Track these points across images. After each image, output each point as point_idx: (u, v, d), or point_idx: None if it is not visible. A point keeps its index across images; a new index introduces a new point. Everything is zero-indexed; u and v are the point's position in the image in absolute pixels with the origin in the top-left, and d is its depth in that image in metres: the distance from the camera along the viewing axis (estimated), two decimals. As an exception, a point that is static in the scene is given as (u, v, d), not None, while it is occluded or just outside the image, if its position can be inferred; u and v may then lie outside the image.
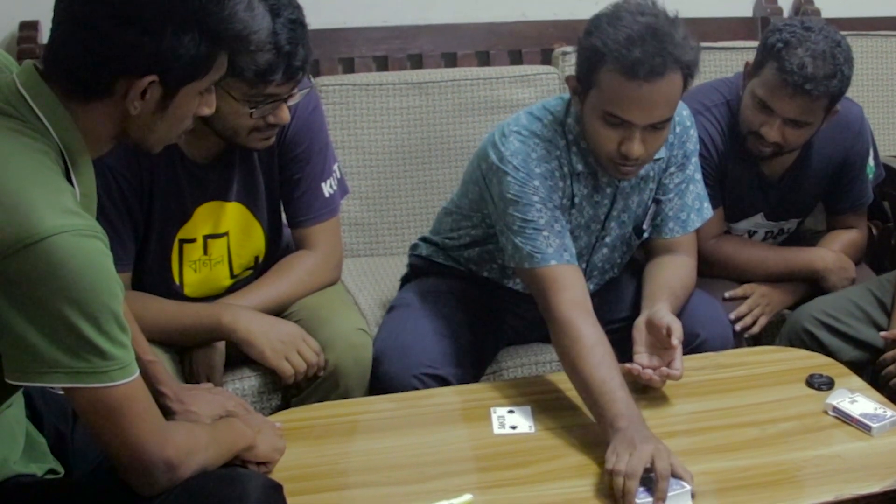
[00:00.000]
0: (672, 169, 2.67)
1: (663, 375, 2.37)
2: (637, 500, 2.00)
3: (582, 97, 2.44)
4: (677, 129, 2.64)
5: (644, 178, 2.63)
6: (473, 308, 2.72)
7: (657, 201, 2.70)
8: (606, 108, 2.37)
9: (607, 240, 2.71)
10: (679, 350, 2.37)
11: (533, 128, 2.54)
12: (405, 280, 2.97)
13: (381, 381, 2.52)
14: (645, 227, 2.70)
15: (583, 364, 2.29)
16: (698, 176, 2.74)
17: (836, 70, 2.70)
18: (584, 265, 2.69)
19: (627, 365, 2.38)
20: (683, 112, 2.66)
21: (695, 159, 2.71)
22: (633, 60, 2.29)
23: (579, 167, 2.54)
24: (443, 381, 2.52)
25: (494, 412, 2.33)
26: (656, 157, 2.58)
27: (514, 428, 2.27)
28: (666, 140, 2.51)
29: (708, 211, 2.76)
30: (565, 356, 2.35)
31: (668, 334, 2.38)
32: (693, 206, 2.72)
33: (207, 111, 1.81)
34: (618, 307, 2.77)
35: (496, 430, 2.27)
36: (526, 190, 2.48)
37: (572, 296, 2.42)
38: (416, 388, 2.49)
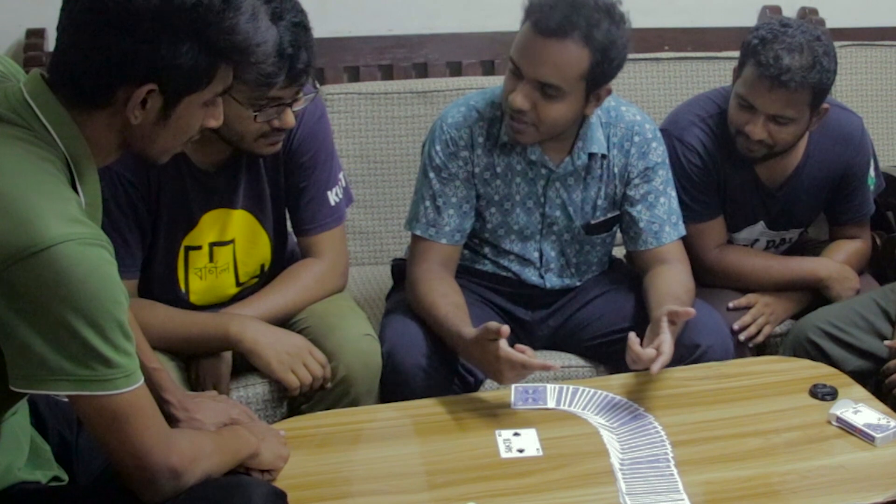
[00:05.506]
0: (636, 180, 2.76)
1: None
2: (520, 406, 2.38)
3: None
4: (636, 139, 2.75)
5: (588, 172, 2.74)
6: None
7: (627, 213, 2.79)
8: (511, 55, 2.55)
9: (555, 228, 2.80)
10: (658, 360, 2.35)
11: (474, 97, 2.76)
12: (391, 292, 3.01)
13: (392, 377, 2.54)
14: (596, 223, 2.81)
15: (424, 308, 2.62)
16: (671, 192, 2.81)
17: (815, 61, 2.71)
18: (536, 253, 2.82)
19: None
20: (646, 125, 2.78)
21: (662, 172, 2.79)
22: (540, 16, 2.49)
23: (504, 137, 2.68)
24: (453, 369, 2.57)
25: (500, 435, 2.29)
26: (595, 151, 2.70)
27: (521, 451, 2.25)
28: (567, 120, 2.61)
29: (683, 229, 2.82)
30: (413, 305, 2.68)
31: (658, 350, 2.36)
32: (666, 219, 2.79)
33: (214, 123, 1.81)
34: (618, 318, 2.79)
35: (503, 454, 2.23)
36: (430, 154, 2.74)
37: (426, 266, 2.70)
38: (430, 376, 2.54)
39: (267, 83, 2.25)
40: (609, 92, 2.62)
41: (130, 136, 1.74)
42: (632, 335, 2.37)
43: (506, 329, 2.33)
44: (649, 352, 2.33)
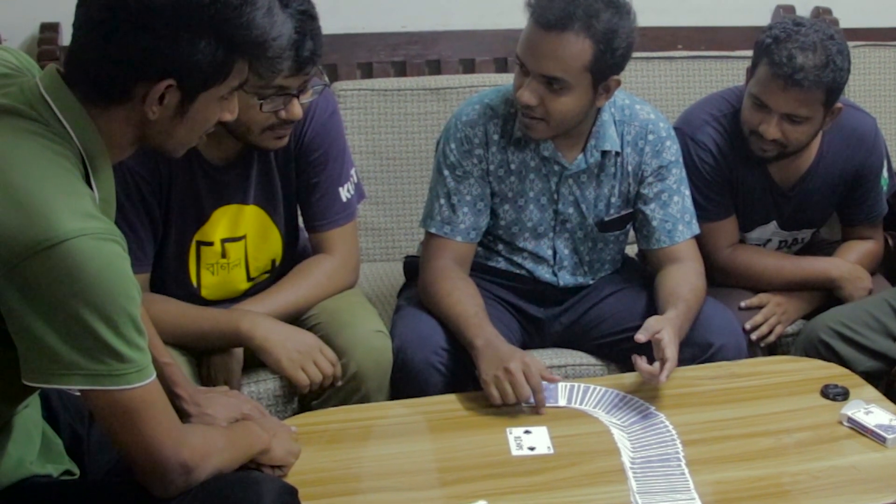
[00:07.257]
0: (650, 178, 2.76)
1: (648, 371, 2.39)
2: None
3: None
4: (650, 137, 2.75)
5: (601, 169, 2.74)
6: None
7: (640, 212, 2.80)
8: (517, 51, 2.56)
9: (568, 226, 2.80)
10: (665, 368, 2.38)
11: (489, 94, 2.76)
12: (403, 288, 3.02)
13: (403, 373, 2.54)
14: (610, 219, 2.81)
15: (445, 304, 2.61)
16: (685, 191, 2.81)
17: (828, 60, 2.70)
18: (549, 250, 2.82)
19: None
20: (660, 124, 2.78)
21: (676, 171, 2.79)
22: (540, 10, 2.50)
23: (518, 133, 2.69)
24: (463, 365, 2.56)
25: (510, 432, 2.30)
26: (608, 149, 2.71)
27: (532, 449, 2.25)
28: (574, 113, 2.60)
29: (696, 227, 2.82)
30: (429, 301, 2.68)
31: (662, 358, 2.39)
32: (679, 218, 2.79)
33: (230, 117, 1.82)
34: (630, 317, 2.78)
35: (514, 451, 2.24)
36: (444, 151, 2.73)
37: (442, 263, 2.70)
38: (440, 372, 2.53)
39: (272, 71, 2.25)
40: (618, 83, 2.62)
41: (147, 132, 1.74)
42: (635, 357, 2.40)
43: (557, 379, 2.43)
44: (654, 367, 2.37)
